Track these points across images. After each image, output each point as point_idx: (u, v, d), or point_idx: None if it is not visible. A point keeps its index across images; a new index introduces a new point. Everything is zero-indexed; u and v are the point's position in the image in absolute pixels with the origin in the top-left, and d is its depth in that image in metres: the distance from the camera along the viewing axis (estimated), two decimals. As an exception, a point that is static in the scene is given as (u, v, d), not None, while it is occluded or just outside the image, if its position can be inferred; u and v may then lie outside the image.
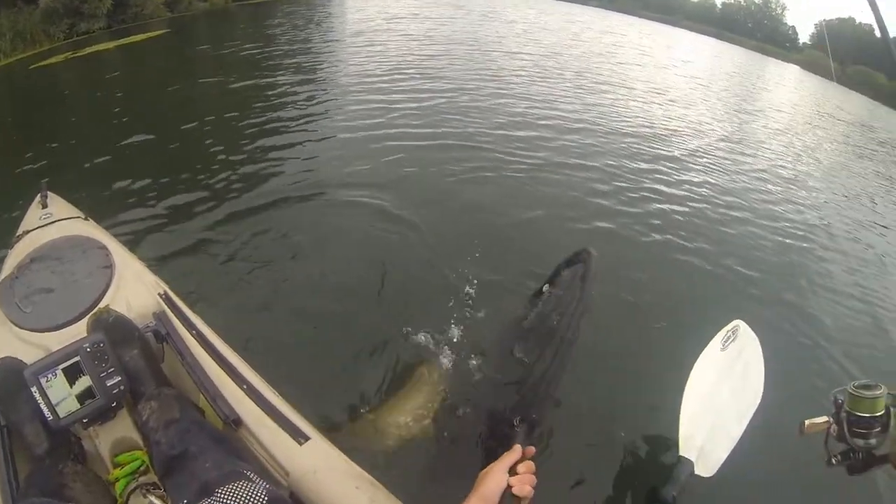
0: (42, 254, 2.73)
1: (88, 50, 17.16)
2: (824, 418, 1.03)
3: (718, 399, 3.08)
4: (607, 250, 5.83)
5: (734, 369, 3.25)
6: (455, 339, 4.05)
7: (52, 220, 3.17)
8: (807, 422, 1.08)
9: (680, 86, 19.35)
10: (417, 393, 3.45)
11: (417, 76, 13.46)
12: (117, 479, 1.87)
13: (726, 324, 3.53)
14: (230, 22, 28.15)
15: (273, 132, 8.59)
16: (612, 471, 3.32)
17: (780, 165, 11.85)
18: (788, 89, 33.54)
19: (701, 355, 3.29)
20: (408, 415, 3.22)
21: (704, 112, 15.74)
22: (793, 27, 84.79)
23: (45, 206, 3.43)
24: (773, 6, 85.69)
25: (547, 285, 3.73)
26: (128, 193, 6.20)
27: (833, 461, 0.84)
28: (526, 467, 1.37)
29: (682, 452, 2.85)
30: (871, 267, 7.44)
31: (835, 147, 16.69)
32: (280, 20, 26.58)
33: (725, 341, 3.36)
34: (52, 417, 1.82)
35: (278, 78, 12.64)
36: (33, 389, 1.79)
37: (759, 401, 3.14)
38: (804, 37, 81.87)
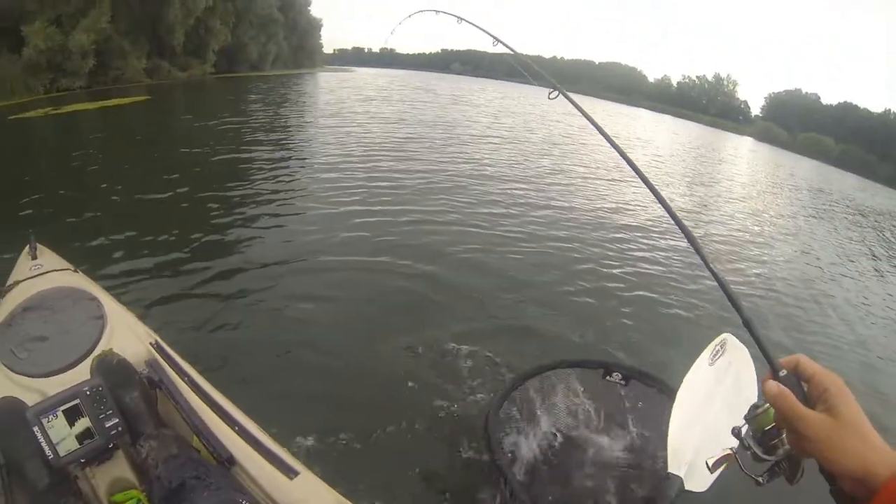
0: (34, 304, 2.79)
1: (68, 108, 17.28)
2: (725, 451, 1.13)
3: (709, 412, 3.03)
4: (596, 305, 6.37)
5: (724, 382, 3.20)
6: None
7: (43, 272, 3.23)
8: (709, 461, 1.18)
9: (642, 162, 19.60)
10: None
11: (392, 157, 13.72)
12: None
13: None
14: (208, 93, 28.86)
15: (252, 203, 8.80)
16: (601, 490, 3.30)
17: (746, 228, 12.59)
18: (746, 160, 35.71)
19: (690, 370, 3.24)
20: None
21: (669, 185, 16.52)
22: (745, 101, 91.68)
23: (34, 257, 3.47)
24: (726, 83, 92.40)
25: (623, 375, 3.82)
26: (114, 247, 6.35)
27: (762, 481, 0.86)
28: None
29: (670, 469, 2.79)
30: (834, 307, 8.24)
31: (792, 210, 17.72)
32: (257, 95, 27.31)
33: (714, 356, 3.31)
34: (52, 456, 1.86)
35: (256, 152, 12.81)
36: (35, 429, 1.84)
37: None
38: (755, 109, 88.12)
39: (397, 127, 19.58)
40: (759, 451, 0.90)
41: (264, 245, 6.96)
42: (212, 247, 6.81)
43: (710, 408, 3.05)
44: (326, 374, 4.30)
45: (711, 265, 1.14)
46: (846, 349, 6.75)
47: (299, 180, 10.48)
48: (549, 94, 2.37)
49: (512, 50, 2.18)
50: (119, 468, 2.10)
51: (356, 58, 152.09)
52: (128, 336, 2.67)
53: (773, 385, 0.85)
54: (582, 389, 3.77)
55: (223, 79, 36.64)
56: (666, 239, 9.50)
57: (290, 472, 2.00)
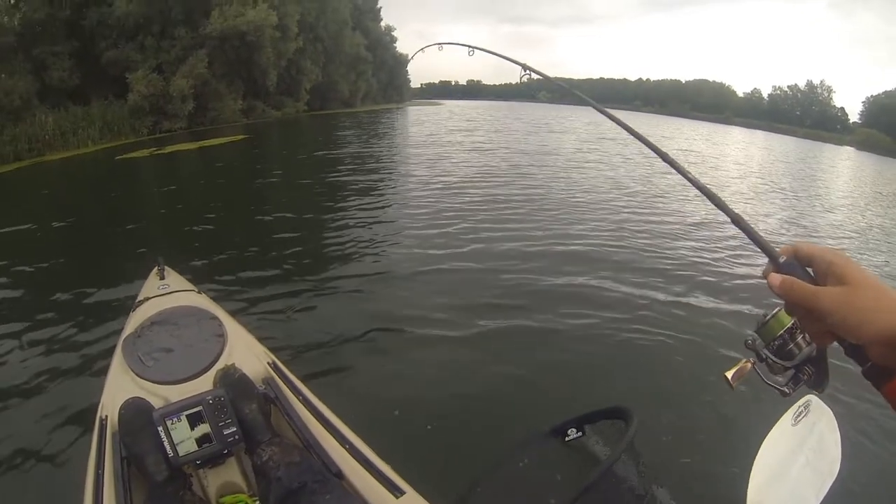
0: (161, 318, 3.03)
1: (170, 148, 18.14)
2: (742, 360, 0.93)
3: (791, 473, 2.96)
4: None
5: (808, 443, 3.11)
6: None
7: (170, 291, 3.52)
8: (728, 374, 0.96)
9: (741, 185, 18.66)
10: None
11: (489, 184, 13.54)
12: None
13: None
14: (302, 129, 29.81)
15: (356, 225, 9.03)
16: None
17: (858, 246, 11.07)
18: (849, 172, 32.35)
19: (772, 430, 3.12)
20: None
21: (777, 205, 15.01)
22: (842, 108, 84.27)
23: (162, 277, 3.79)
24: (820, 91, 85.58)
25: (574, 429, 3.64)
26: (231, 271, 6.63)
27: (787, 391, 0.74)
28: None
29: None
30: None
31: None
32: (349, 131, 27.92)
33: (797, 416, 3.21)
34: (172, 454, 2.02)
35: (351, 180, 13.22)
36: (160, 428, 2.01)
37: (836, 471, 2.95)
38: (854, 116, 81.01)
39: (488, 155, 19.44)
40: (776, 360, 0.83)
41: (368, 273, 6.91)
42: (316, 269, 6.98)
43: (793, 467, 2.99)
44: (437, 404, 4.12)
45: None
46: None
47: (403, 206, 10.55)
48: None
49: (542, 75, 2.00)
50: (231, 473, 2.26)
51: (443, 90, 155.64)
52: (246, 354, 2.81)
53: (776, 276, 0.77)
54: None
55: (315, 116, 37.92)
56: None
57: (396, 491, 1.99)
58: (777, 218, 12.62)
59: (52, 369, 4.35)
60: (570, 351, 5.12)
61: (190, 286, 3.76)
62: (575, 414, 3.66)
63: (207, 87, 24.97)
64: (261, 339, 3.14)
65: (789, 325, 0.82)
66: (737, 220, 0.93)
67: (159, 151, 17.49)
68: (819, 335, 0.77)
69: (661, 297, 6.51)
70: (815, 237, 11.08)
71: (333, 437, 2.27)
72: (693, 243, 8.98)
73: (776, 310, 0.83)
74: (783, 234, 10.89)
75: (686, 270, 7.58)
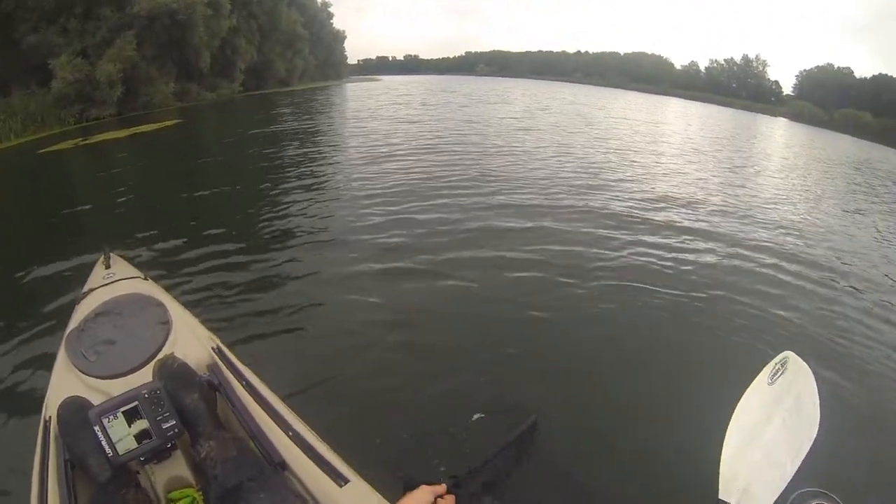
0: (105, 309, 3.00)
1: (99, 137, 17.29)
2: None
3: (767, 436, 2.91)
4: (646, 291, 5.95)
5: (784, 403, 3.06)
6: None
7: (115, 279, 3.50)
8: None
9: (681, 150, 19.07)
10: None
11: (422, 148, 14.37)
12: None
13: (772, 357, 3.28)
14: (239, 111, 28.95)
15: (299, 201, 9.19)
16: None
17: (793, 208, 11.63)
18: (784, 142, 33.44)
19: (747, 390, 3.12)
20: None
21: (711, 169, 15.28)
22: (776, 81, 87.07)
23: (108, 266, 3.76)
24: (755, 64, 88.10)
25: None
26: (178, 257, 6.58)
27: None
28: (446, 501, 1.49)
29: (721, 496, 2.64)
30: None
31: (840, 187, 16.60)
32: (287, 109, 27.67)
33: (773, 375, 3.19)
34: (112, 453, 1.95)
35: (293, 156, 13.34)
36: (96, 427, 1.95)
37: (815, 434, 2.87)
38: (787, 88, 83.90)
39: (420, 126, 19.98)
40: None
41: (312, 249, 7.01)
42: (263, 247, 7.04)
43: (769, 429, 2.93)
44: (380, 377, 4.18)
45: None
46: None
47: (348, 187, 10.55)
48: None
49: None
50: (177, 467, 2.18)
51: (381, 66, 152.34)
52: (191, 341, 2.80)
53: None
54: None
55: (252, 96, 37.00)
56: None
57: (340, 479, 2.02)
58: (718, 182, 13.33)
59: (2, 367, 4.27)
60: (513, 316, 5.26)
61: (136, 273, 3.71)
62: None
63: (137, 71, 23.81)
64: (207, 324, 3.13)
65: None
66: None
67: (86, 141, 16.67)
68: None
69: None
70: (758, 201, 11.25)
71: (277, 424, 2.27)
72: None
73: None
74: (730, 198, 11.24)
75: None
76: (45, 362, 3.76)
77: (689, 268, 6.89)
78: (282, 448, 2.13)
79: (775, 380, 3.14)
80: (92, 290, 3.39)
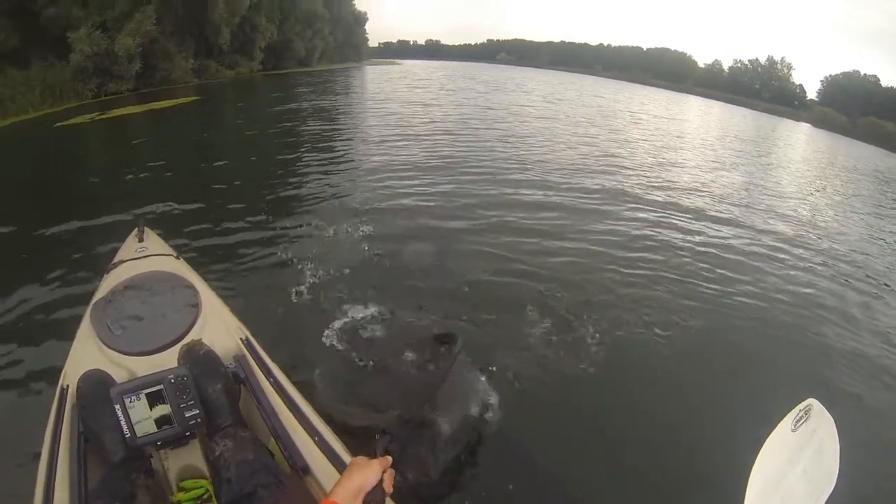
0: (135, 283, 2.97)
1: (117, 112, 17.21)
2: None
3: (787, 483, 2.77)
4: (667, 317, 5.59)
5: (806, 451, 2.91)
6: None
7: (147, 255, 3.46)
8: None
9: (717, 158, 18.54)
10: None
11: (438, 132, 14.57)
12: (180, 502, 1.97)
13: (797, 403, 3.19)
14: (258, 89, 28.98)
15: (330, 189, 9.12)
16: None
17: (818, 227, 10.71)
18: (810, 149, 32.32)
19: (770, 436, 2.89)
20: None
21: (732, 176, 14.80)
22: (800, 85, 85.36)
23: (141, 239, 3.74)
24: (780, 67, 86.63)
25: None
26: (205, 239, 6.54)
27: None
28: (390, 472, 1.51)
29: None
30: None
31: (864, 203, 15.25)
32: (306, 89, 27.61)
33: (797, 422, 2.97)
34: (129, 435, 1.94)
35: (318, 138, 13.33)
36: (117, 407, 1.93)
37: (833, 485, 2.83)
38: (812, 93, 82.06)
39: (438, 111, 20.13)
40: None
41: (341, 236, 6.96)
42: (296, 235, 6.95)
43: (789, 477, 2.85)
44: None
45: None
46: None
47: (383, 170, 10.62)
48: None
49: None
50: (192, 455, 2.16)
51: (402, 50, 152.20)
52: (219, 328, 2.75)
53: None
54: None
55: (270, 75, 37.01)
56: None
57: None
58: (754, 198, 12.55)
59: (18, 330, 4.39)
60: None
61: (169, 250, 3.68)
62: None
63: (156, 46, 23.61)
64: (236, 312, 3.06)
65: None
66: None
67: (104, 116, 16.56)
68: None
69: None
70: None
71: (303, 427, 2.20)
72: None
73: None
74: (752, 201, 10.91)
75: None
76: (67, 326, 3.76)
77: (722, 289, 6.58)
78: (305, 452, 2.08)
79: (798, 427, 2.99)
80: (123, 261, 3.38)
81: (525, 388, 4.06)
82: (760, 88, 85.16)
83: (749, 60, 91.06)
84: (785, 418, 2.99)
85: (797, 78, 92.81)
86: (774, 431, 2.90)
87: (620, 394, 4.23)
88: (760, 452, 2.82)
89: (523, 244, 7.02)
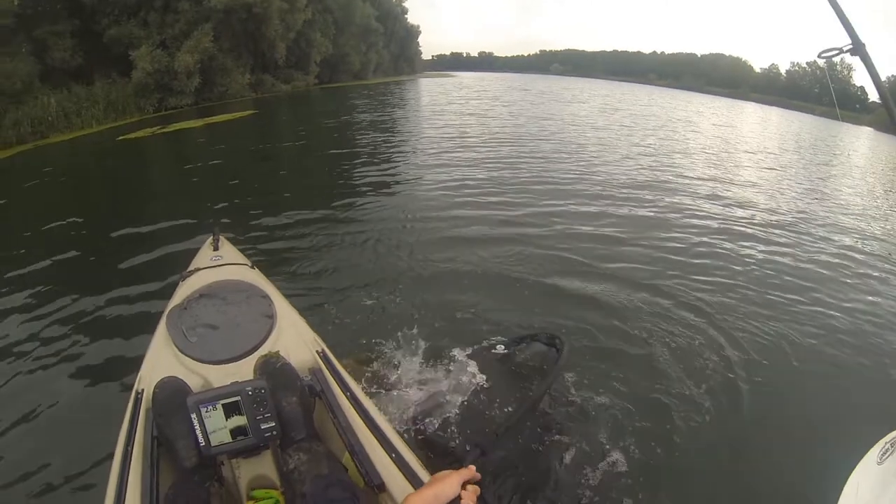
0: (210, 292, 3.00)
1: (176, 126, 17.72)
2: None
3: None
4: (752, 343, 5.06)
5: (891, 488, 2.63)
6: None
7: (222, 263, 3.50)
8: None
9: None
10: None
11: (495, 144, 14.23)
12: None
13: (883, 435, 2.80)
14: (314, 103, 29.36)
15: (402, 203, 8.86)
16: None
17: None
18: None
19: (855, 469, 2.70)
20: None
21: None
22: (861, 87, 79.81)
23: (216, 248, 3.81)
24: (839, 68, 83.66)
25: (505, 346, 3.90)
26: (281, 250, 6.56)
27: None
28: (473, 488, 1.43)
29: None
30: None
31: None
32: (362, 101, 27.93)
33: (883, 455, 2.73)
34: (204, 444, 1.94)
35: (381, 152, 13.11)
36: (193, 416, 1.92)
37: None
38: (874, 95, 76.62)
39: (494, 122, 19.74)
40: None
41: (413, 247, 6.77)
42: (361, 246, 6.82)
43: None
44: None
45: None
46: None
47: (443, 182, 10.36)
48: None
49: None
50: (264, 466, 2.15)
51: (455, 62, 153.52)
52: (295, 340, 2.73)
53: None
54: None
55: (326, 89, 37.61)
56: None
57: None
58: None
59: (94, 333, 4.46)
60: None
61: (243, 260, 3.72)
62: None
63: (214, 62, 24.40)
64: (312, 324, 3.02)
65: None
66: None
67: (164, 130, 17.14)
68: None
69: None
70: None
71: (379, 443, 2.14)
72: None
73: None
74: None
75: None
76: (141, 331, 3.93)
77: (808, 307, 5.98)
78: (381, 468, 2.02)
79: (884, 460, 2.77)
80: (198, 269, 3.41)
81: (631, 404, 3.82)
82: (820, 92, 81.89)
83: (807, 63, 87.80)
84: (871, 450, 2.81)
85: (858, 79, 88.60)
86: (860, 464, 2.77)
87: (738, 414, 4.01)
88: (846, 485, 2.67)
89: (598, 250, 6.86)
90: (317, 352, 2.66)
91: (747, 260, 7.12)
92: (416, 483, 1.95)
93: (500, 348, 3.81)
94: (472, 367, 3.65)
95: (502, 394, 3.41)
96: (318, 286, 5.48)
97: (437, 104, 28.20)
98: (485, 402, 3.40)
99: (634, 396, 3.88)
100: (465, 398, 3.41)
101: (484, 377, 3.55)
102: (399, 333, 4.37)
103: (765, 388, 4.31)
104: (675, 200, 9.88)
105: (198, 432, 1.94)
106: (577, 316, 4.99)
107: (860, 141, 37.30)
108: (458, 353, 3.92)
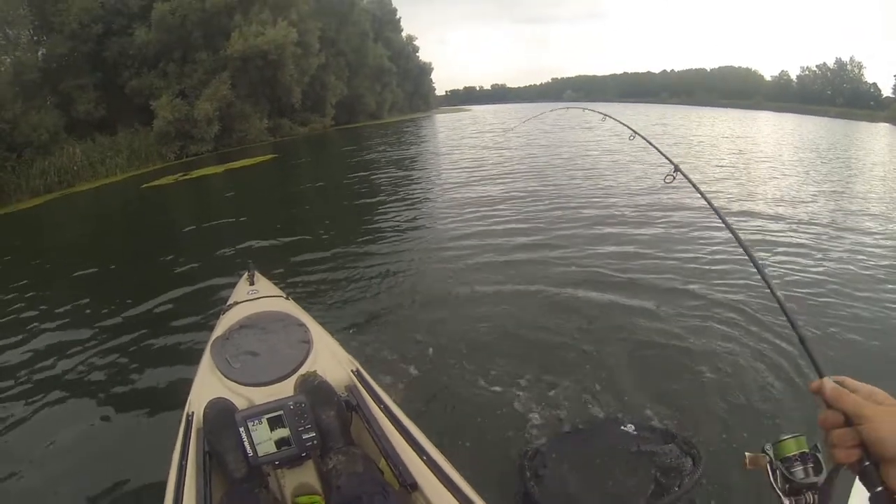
0: (249, 323, 3.19)
1: (198, 172, 18.09)
2: (762, 454, 0.94)
3: None
4: None
5: None
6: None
7: (259, 296, 3.71)
8: (747, 454, 0.96)
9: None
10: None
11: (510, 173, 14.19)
12: None
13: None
14: (331, 144, 29.51)
15: (421, 234, 9.08)
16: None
17: None
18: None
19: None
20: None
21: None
22: (874, 84, 79.44)
23: (252, 282, 4.04)
24: (850, 67, 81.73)
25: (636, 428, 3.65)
26: (318, 282, 6.74)
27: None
28: None
29: None
30: None
31: None
32: (380, 140, 28.03)
33: None
34: (252, 454, 2.10)
35: (401, 188, 13.30)
36: (241, 429, 2.09)
37: None
38: (887, 90, 75.80)
39: (508, 153, 19.50)
40: (786, 474, 0.88)
41: (435, 275, 6.95)
42: (385, 274, 6.96)
43: None
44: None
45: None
46: None
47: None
48: (665, 177, 2.48)
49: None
50: (307, 475, 2.31)
51: (468, 96, 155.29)
52: (331, 361, 2.88)
53: (829, 383, 0.83)
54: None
55: (343, 130, 37.88)
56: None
57: None
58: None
59: (145, 364, 4.80)
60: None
61: (278, 292, 3.93)
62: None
63: (232, 109, 25.07)
64: (346, 347, 3.17)
65: (804, 450, 0.88)
66: (802, 340, 1.04)
67: (187, 176, 17.55)
68: (845, 449, 0.77)
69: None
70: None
71: (411, 447, 2.25)
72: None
73: (797, 434, 0.89)
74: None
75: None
76: (187, 361, 4.30)
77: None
78: (414, 469, 2.12)
79: None
80: (237, 303, 3.62)
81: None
82: (833, 94, 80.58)
83: (817, 66, 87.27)
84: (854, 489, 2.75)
85: (869, 76, 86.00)
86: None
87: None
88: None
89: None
90: (352, 371, 2.81)
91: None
92: (446, 482, 2.05)
93: (631, 427, 3.66)
94: (602, 432, 3.62)
95: (623, 477, 3.25)
96: (349, 313, 5.65)
97: (452, 139, 28.32)
98: (603, 474, 3.27)
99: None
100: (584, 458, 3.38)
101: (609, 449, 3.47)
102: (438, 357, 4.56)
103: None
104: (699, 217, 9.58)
105: (246, 444, 2.11)
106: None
107: (879, 139, 35.99)
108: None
